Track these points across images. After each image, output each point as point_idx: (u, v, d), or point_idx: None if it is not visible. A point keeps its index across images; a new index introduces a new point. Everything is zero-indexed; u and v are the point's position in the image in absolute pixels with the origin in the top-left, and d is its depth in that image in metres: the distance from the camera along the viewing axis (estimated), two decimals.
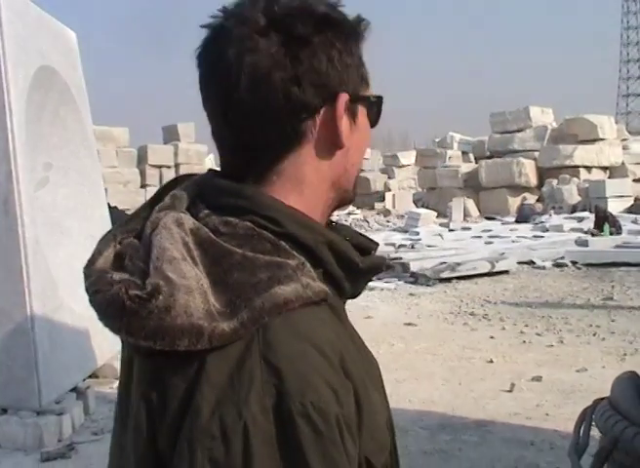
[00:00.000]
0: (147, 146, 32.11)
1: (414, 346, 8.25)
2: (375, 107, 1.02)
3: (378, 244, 1.08)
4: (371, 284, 12.64)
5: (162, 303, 0.82)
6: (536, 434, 5.28)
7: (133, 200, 30.56)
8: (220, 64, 0.94)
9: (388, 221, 24.95)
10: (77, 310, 6.15)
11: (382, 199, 34.77)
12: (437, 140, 35.84)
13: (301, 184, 0.96)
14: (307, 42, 0.92)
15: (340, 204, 1.04)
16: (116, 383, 7.05)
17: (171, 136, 33.41)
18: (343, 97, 0.95)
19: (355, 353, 0.95)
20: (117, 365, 7.23)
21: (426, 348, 8.12)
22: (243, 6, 0.95)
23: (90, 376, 6.59)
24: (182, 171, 32.05)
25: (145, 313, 0.82)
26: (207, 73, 0.97)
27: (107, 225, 7.93)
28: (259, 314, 0.82)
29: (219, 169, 1.05)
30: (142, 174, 31.44)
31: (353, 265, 0.97)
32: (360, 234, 1.07)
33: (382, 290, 12.25)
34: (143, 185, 31.33)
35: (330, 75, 0.94)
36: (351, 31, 0.98)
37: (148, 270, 0.85)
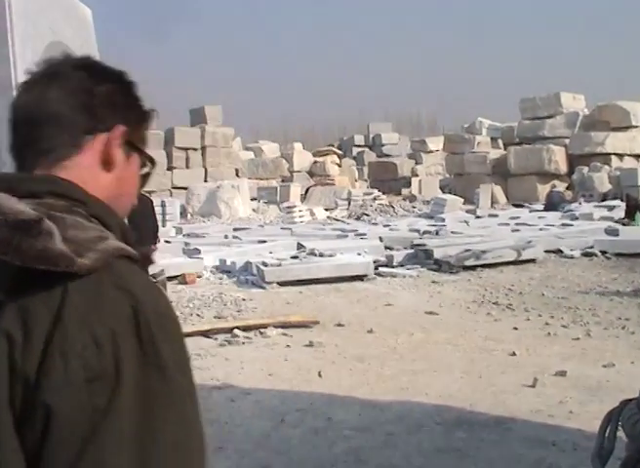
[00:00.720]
0: (174, 129, 32.08)
1: (434, 336, 8.00)
2: (149, 161, 1.27)
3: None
4: (393, 270, 12.43)
5: (47, 228, 0.99)
6: (558, 433, 5.00)
7: (159, 182, 30.52)
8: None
9: (414, 207, 24.60)
10: None
11: (409, 185, 34.43)
12: (466, 126, 35.31)
13: (86, 185, 1.15)
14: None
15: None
16: None
17: (198, 118, 33.36)
18: (120, 128, 1.17)
19: None
20: None
21: (447, 338, 7.86)
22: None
23: None
24: (209, 153, 32.00)
25: (35, 233, 0.98)
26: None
27: None
28: (105, 255, 1.01)
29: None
30: (169, 156, 31.39)
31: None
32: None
33: (405, 277, 11.99)
34: (170, 168, 31.28)
35: (108, 112, 1.18)
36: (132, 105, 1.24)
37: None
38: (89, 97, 1.16)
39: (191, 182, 27.82)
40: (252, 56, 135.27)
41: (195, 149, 32.04)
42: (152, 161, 1.28)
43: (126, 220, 1.27)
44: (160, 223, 20.97)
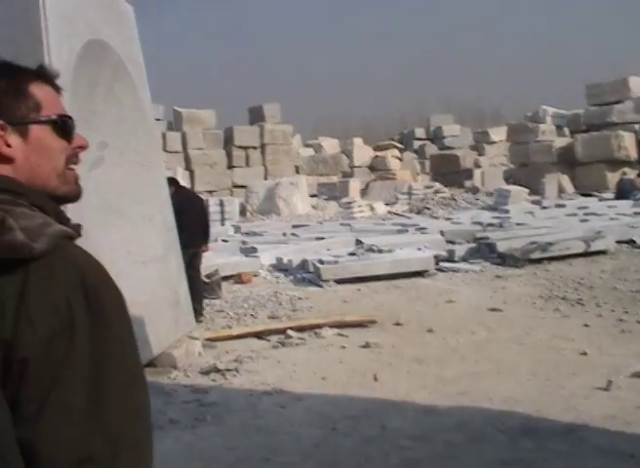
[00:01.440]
0: (233, 128, 32.04)
1: (498, 334, 7.55)
2: (60, 124, 1.40)
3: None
4: (455, 265, 11.96)
5: (10, 223, 1.20)
6: (636, 443, 4.53)
7: (220, 181, 30.53)
8: None
9: (477, 199, 23.92)
10: (131, 295, 5.72)
11: (472, 177, 33.72)
12: (529, 115, 34.41)
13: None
14: None
15: (57, 198, 1.41)
16: (175, 373, 6.69)
17: (257, 116, 33.25)
18: None
19: None
20: (176, 353, 6.85)
21: (512, 337, 7.41)
22: None
23: (146, 365, 6.17)
24: (268, 151, 31.87)
25: (3, 230, 1.19)
26: None
27: (167, 207, 7.52)
28: (55, 239, 1.23)
29: None
30: (229, 155, 31.38)
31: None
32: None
33: (467, 272, 11.53)
34: (230, 167, 31.26)
35: None
36: (12, 80, 1.36)
37: None
38: None
39: (251, 181, 27.69)
40: (309, 51, 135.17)
41: (255, 148, 31.94)
42: (59, 118, 1.40)
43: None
44: (219, 222, 20.95)
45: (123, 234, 6.61)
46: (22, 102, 1.35)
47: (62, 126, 1.40)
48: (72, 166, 1.45)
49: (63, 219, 1.34)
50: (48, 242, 1.21)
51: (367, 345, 7.25)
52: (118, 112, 6.88)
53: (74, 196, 1.44)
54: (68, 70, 5.63)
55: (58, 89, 1.45)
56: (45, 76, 1.42)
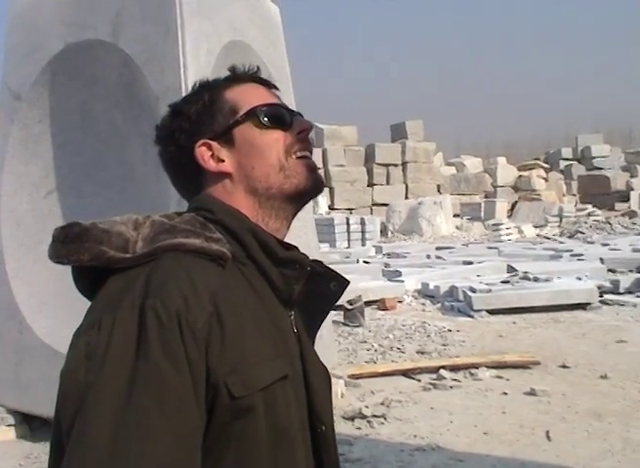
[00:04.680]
0: (375, 145, 31.50)
1: None
2: (260, 115, 1.29)
3: (346, 280, 1.34)
4: (621, 298, 10.77)
5: (75, 232, 1.14)
6: None
7: (360, 199, 29.97)
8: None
9: (634, 224, 22.26)
10: None
11: (624, 199, 31.75)
12: None
13: (220, 197, 1.29)
14: (164, 130, 1.34)
15: (296, 195, 1.30)
16: None
17: (399, 133, 32.64)
18: (198, 144, 1.30)
19: (253, 320, 1.17)
20: None
21: None
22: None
23: None
24: (410, 169, 31.09)
25: (62, 237, 1.15)
26: None
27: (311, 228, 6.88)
28: (154, 250, 1.14)
29: None
30: (370, 172, 30.81)
31: (273, 253, 1.24)
32: (328, 268, 1.34)
33: (635, 306, 10.33)
34: (370, 184, 30.67)
35: (186, 140, 1.30)
36: (205, 98, 1.32)
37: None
38: None
39: (392, 199, 26.99)
40: (453, 69, 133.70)
41: (396, 165, 31.23)
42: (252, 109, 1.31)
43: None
44: (360, 242, 20.32)
45: None
46: (218, 113, 1.31)
47: (265, 115, 1.30)
48: (301, 153, 1.30)
49: (271, 247, 1.24)
50: (142, 253, 1.14)
51: (532, 392, 6.32)
52: None
53: (309, 188, 1.30)
54: (206, 73, 5.06)
55: (261, 82, 1.36)
56: (237, 77, 1.36)
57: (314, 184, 1.30)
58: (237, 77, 1.35)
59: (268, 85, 1.37)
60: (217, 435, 1.10)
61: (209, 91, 1.32)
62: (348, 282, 1.36)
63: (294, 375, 1.21)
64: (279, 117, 1.31)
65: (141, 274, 1.11)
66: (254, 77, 1.36)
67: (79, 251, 1.13)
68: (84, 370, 1.04)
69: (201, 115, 1.30)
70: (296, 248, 1.32)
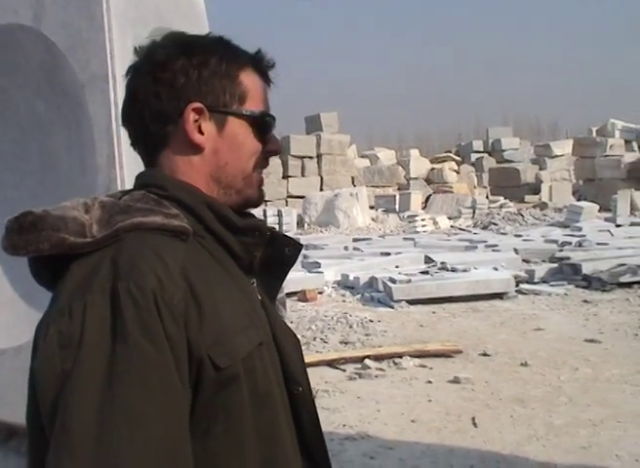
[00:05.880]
0: (290, 136, 31.36)
1: (603, 372, 6.67)
2: (260, 123, 1.29)
3: (300, 244, 1.38)
4: (536, 287, 11.05)
5: (29, 221, 1.11)
6: None
7: (275, 191, 29.83)
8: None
9: (545, 215, 22.82)
10: None
11: (533, 191, 32.58)
12: (595, 129, 33.16)
13: (176, 173, 1.25)
14: (165, 65, 1.24)
15: (242, 204, 1.30)
16: None
17: (314, 126, 32.60)
18: (193, 105, 1.23)
19: (223, 291, 1.17)
20: None
21: (621, 376, 6.53)
22: (140, 51, 1.29)
23: None
24: (325, 161, 31.16)
25: (17, 228, 1.11)
26: None
27: None
28: (115, 231, 1.11)
29: None
30: (285, 165, 30.67)
31: (231, 223, 1.23)
32: (283, 233, 1.37)
33: (550, 295, 10.61)
34: (285, 176, 30.56)
35: (186, 89, 1.23)
36: (225, 61, 1.26)
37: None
38: None
39: (307, 191, 27.01)
40: (365, 61, 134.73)
41: (311, 157, 31.22)
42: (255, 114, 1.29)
43: None
44: None
45: None
46: (228, 89, 1.27)
47: (262, 125, 1.30)
48: (262, 170, 1.33)
49: (233, 222, 1.24)
50: (102, 235, 1.12)
51: (456, 380, 6.44)
52: None
53: (255, 201, 1.33)
54: (133, 60, 4.95)
55: (269, 81, 1.34)
56: (259, 65, 1.32)
57: (259, 201, 1.33)
58: (259, 65, 1.31)
59: (270, 85, 1.36)
60: (203, 408, 1.10)
61: (228, 56, 1.27)
62: (302, 246, 1.39)
63: (267, 341, 1.23)
64: (269, 132, 1.32)
65: (106, 257, 1.09)
66: (267, 74, 1.33)
67: (37, 240, 1.10)
68: (59, 359, 1.02)
69: (212, 77, 1.25)
70: (252, 215, 1.34)
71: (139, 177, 1.28)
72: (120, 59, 4.75)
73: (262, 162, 1.31)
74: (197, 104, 1.23)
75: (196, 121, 1.23)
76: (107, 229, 1.12)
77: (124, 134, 3.91)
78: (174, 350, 1.05)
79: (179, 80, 1.23)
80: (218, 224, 1.22)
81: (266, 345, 1.22)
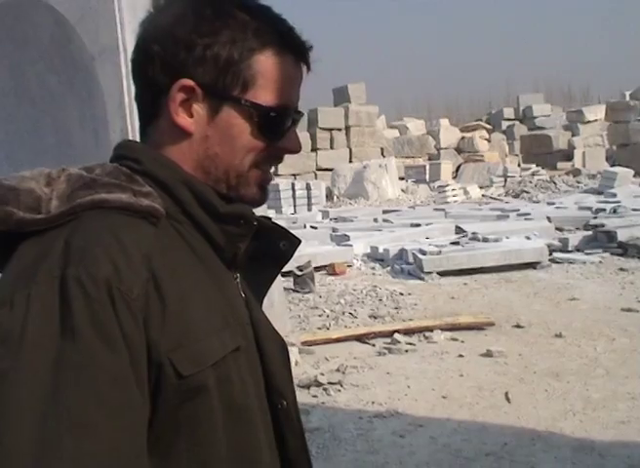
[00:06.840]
0: (318, 109, 31.15)
1: None
2: (263, 118, 1.08)
3: (298, 239, 1.19)
4: (570, 256, 10.79)
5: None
6: None
7: (304, 164, 29.69)
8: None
9: (578, 182, 22.40)
10: None
11: (566, 158, 32.06)
12: (629, 92, 32.50)
13: (161, 148, 1.09)
14: (167, 31, 1.06)
15: (228, 197, 1.10)
16: None
17: (341, 97, 32.33)
18: (182, 82, 1.05)
19: (195, 285, 1.01)
20: None
21: None
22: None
23: None
24: (353, 133, 30.92)
25: None
26: None
27: None
28: (72, 208, 0.96)
29: None
30: (313, 137, 30.49)
31: (212, 208, 1.06)
32: (277, 224, 1.19)
33: (585, 263, 10.36)
34: (314, 149, 30.38)
35: (182, 62, 1.05)
36: (250, 33, 1.05)
37: None
38: None
39: (336, 164, 26.81)
40: (393, 30, 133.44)
41: (339, 129, 31.00)
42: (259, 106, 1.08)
43: None
44: (306, 207, 20.14)
45: None
46: (232, 70, 1.07)
47: (267, 121, 1.09)
48: (266, 168, 1.14)
49: (215, 206, 1.07)
50: (59, 212, 0.96)
51: (489, 354, 6.26)
52: None
53: (253, 201, 1.13)
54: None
55: (300, 68, 1.13)
56: (287, 47, 1.10)
57: (259, 201, 1.15)
58: (285, 45, 1.10)
59: (307, 67, 1.15)
60: (164, 420, 0.95)
61: (250, 33, 1.07)
62: (299, 241, 1.22)
63: (247, 346, 1.07)
64: (276, 129, 1.11)
65: (59, 238, 0.94)
66: (298, 55, 1.12)
67: None
68: None
69: (216, 52, 1.06)
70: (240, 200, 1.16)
71: (115, 148, 1.13)
72: (130, 30, 4.61)
73: (269, 159, 1.14)
74: (187, 82, 1.05)
75: (187, 100, 1.06)
76: (66, 206, 0.97)
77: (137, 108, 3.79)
78: (130, 350, 0.90)
79: (175, 49, 1.05)
80: (197, 208, 1.06)
81: (245, 351, 1.06)
